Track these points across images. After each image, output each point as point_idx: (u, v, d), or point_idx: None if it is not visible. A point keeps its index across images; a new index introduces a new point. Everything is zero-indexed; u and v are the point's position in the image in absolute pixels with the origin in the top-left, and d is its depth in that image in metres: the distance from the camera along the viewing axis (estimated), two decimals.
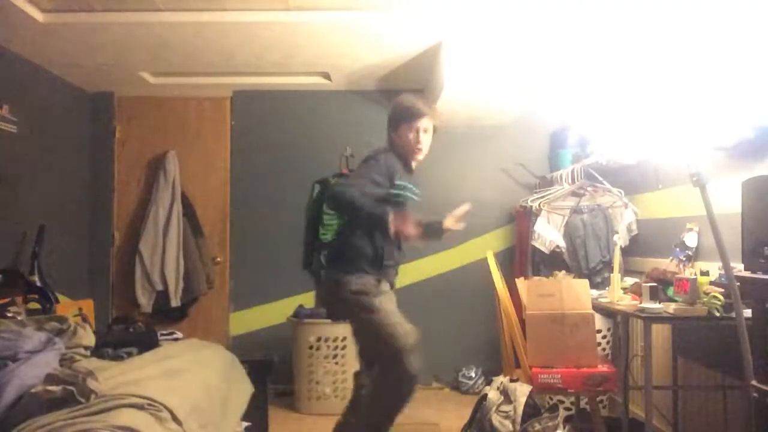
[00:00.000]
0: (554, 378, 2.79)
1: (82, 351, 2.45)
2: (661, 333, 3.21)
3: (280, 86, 4.59)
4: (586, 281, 3.01)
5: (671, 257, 3.08)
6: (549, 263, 3.85)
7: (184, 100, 4.74)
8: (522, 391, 2.74)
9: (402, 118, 2.48)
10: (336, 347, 3.96)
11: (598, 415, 3.02)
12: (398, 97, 2.55)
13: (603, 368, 2.84)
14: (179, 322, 4.50)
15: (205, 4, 3.18)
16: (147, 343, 2.73)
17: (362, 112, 4.71)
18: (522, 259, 4.18)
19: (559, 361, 2.83)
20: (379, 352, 2.42)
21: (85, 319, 2.85)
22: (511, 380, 2.85)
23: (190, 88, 4.62)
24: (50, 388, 1.85)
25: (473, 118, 4.42)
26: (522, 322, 3.27)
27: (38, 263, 3.62)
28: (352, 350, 3.50)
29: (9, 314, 2.82)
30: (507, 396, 2.75)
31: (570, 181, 3.98)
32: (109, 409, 1.83)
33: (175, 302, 4.47)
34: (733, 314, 1.96)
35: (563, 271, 3.56)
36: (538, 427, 2.61)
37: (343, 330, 3.86)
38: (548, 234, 3.85)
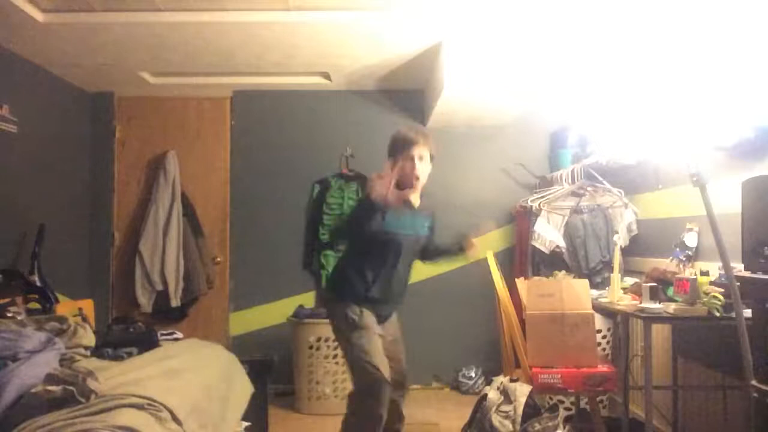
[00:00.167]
0: (554, 378, 2.79)
1: (82, 351, 2.45)
2: (661, 333, 3.21)
3: (280, 86, 4.59)
4: (586, 281, 3.01)
5: (671, 257, 3.08)
6: (549, 263, 3.85)
7: (184, 100, 4.74)
8: (522, 391, 2.74)
9: (397, 149, 2.53)
10: (336, 347, 3.95)
11: (598, 415, 3.02)
12: (396, 131, 2.62)
13: (603, 368, 2.83)
14: (179, 322, 4.50)
15: (205, 4, 3.18)
16: (147, 343, 2.73)
17: (362, 112, 4.71)
18: (522, 259, 4.18)
19: (559, 361, 2.83)
20: (352, 378, 2.51)
21: (85, 319, 2.85)
22: (511, 380, 2.85)
23: (190, 88, 4.62)
24: (50, 388, 1.85)
25: (473, 118, 4.42)
26: (522, 322, 3.27)
27: (38, 263, 3.62)
28: None
29: (9, 314, 2.82)
30: (507, 396, 2.75)
31: (570, 181, 3.98)
32: (109, 409, 1.83)
33: (175, 302, 4.47)
34: (733, 314, 1.96)
35: (563, 271, 3.56)
36: (538, 427, 2.61)
37: None
38: (548, 234, 3.85)
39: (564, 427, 2.74)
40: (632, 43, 3.14)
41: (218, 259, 4.69)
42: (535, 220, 3.92)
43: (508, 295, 3.80)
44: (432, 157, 2.58)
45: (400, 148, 2.53)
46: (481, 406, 2.78)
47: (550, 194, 3.99)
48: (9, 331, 2.24)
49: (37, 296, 3.40)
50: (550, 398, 3.37)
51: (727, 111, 2.58)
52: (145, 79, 4.40)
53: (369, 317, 2.50)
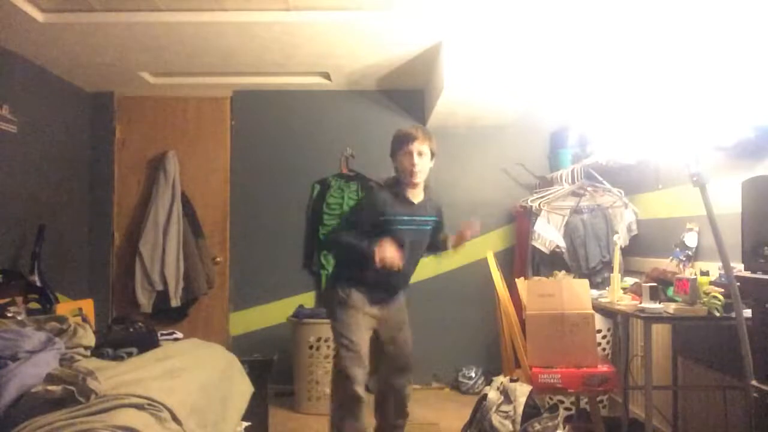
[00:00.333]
0: (554, 378, 2.79)
1: (82, 351, 2.45)
2: (661, 333, 3.21)
3: (280, 86, 4.59)
4: (586, 281, 3.01)
5: (671, 257, 3.08)
6: (549, 263, 3.85)
7: (184, 100, 4.74)
8: (522, 391, 2.74)
9: (397, 145, 2.64)
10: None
11: (598, 415, 3.02)
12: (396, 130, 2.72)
13: (603, 368, 2.83)
14: (179, 322, 4.50)
15: (205, 4, 3.18)
16: (147, 343, 2.73)
17: (362, 112, 4.71)
18: (522, 259, 4.18)
19: (559, 361, 2.83)
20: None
21: (85, 319, 2.84)
22: (511, 380, 2.85)
23: (190, 88, 4.62)
24: (50, 387, 1.85)
25: (473, 118, 4.42)
26: (522, 322, 3.27)
27: (38, 263, 3.62)
28: None
29: (9, 314, 2.82)
30: (507, 396, 2.75)
31: (570, 181, 3.97)
32: (109, 409, 1.83)
33: (175, 302, 4.47)
34: (733, 314, 1.96)
35: (563, 271, 3.56)
36: (538, 427, 2.61)
37: None
38: (548, 234, 3.85)
39: (564, 427, 2.74)
40: (632, 43, 3.14)
41: (218, 259, 4.69)
42: (535, 220, 3.92)
43: (508, 295, 3.80)
44: (433, 155, 2.65)
45: (399, 143, 2.61)
46: (481, 406, 2.77)
47: (550, 194, 3.99)
48: (9, 331, 2.24)
49: (37, 296, 3.40)
50: (550, 398, 3.36)
51: (727, 111, 2.58)
52: (145, 79, 4.40)
53: (358, 298, 2.62)
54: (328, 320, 2.79)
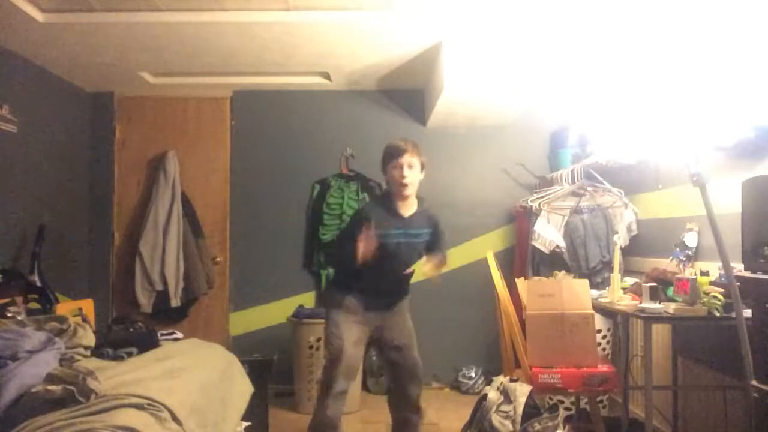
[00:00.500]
0: (554, 378, 2.79)
1: (82, 351, 2.45)
2: (661, 333, 3.21)
3: (280, 86, 4.59)
4: (586, 281, 3.01)
5: (671, 257, 3.08)
6: (549, 263, 3.85)
7: (184, 100, 4.74)
8: (522, 391, 2.74)
9: (387, 159, 2.69)
10: None
11: (598, 415, 3.02)
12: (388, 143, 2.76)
13: (603, 368, 2.83)
14: (179, 322, 4.50)
15: (205, 4, 3.18)
16: (147, 343, 2.73)
17: (362, 112, 4.71)
18: (522, 259, 4.18)
19: (559, 361, 2.83)
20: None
21: (85, 319, 2.84)
22: (511, 380, 2.85)
23: (190, 88, 4.62)
24: (50, 387, 1.85)
25: (473, 118, 4.42)
26: (522, 322, 3.27)
27: (38, 263, 3.62)
28: None
29: (9, 314, 2.82)
30: (507, 396, 2.75)
31: (570, 181, 3.97)
32: (109, 409, 1.83)
33: (175, 302, 4.47)
34: (733, 314, 1.96)
35: (563, 271, 3.56)
36: (538, 427, 2.61)
37: None
38: (548, 234, 3.85)
39: (564, 427, 2.74)
40: (632, 43, 3.14)
41: (218, 259, 4.69)
42: (535, 220, 3.92)
43: (508, 295, 3.80)
44: (423, 167, 2.70)
45: (389, 157, 2.66)
46: (481, 406, 2.77)
47: (550, 194, 3.99)
48: (9, 331, 2.24)
49: (37, 296, 3.40)
50: (550, 398, 3.37)
51: (727, 111, 2.58)
52: (145, 79, 4.40)
53: (352, 303, 2.70)
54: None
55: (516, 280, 3.63)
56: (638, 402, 3.43)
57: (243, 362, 3.02)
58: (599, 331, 3.47)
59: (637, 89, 3.23)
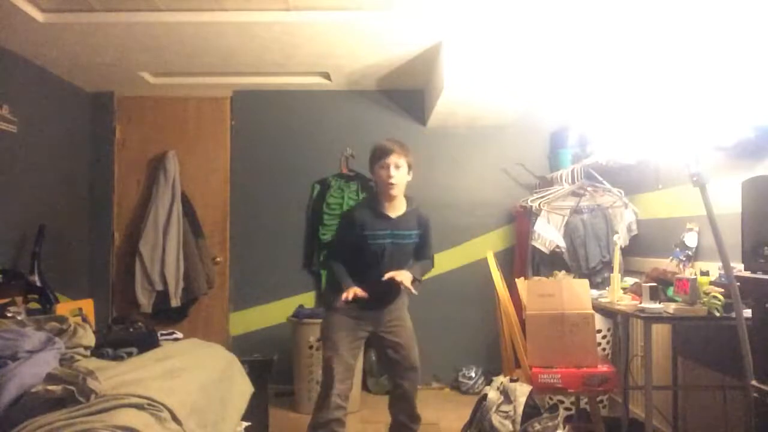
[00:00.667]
0: (554, 378, 2.79)
1: (82, 351, 2.45)
2: (661, 333, 3.21)
3: (280, 86, 4.59)
4: (586, 281, 3.01)
5: (671, 257, 3.08)
6: (549, 263, 3.85)
7: (184, 100, 4.74)
8: (522, 391, 2.74)
9: (375, 159, 2.72)
10: None
11: (598, 415, 3.02)
12: (375, 143, 2.80)
13: (603, 368, 2.83)
14: (179, 322, 4.50)
15: (205, 4, 3.18)
16: (147, 343, 2.73)
17: (362, 112, 4.71)
18: (522, 259, 4.18)
19: (559, 361, 2.83)
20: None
21: (85, 319, 2.84)
22: (511, 380, 2.85)
23: (190, 88, 4.62)
24: (50, 387, 1.85)
25: (473, 118, 4.42)
26: (522, 322, 3.27)
27: (38, 263, 3.62)
28: None
29: (9, 314, 2.82)
30: (507, 396, 2.75)
31: (570, 181, 3.97)
32: (109, 409, 1.83)
33: (175, 302, 4.47)
34: (733, 314, 1.96)
35: (563, 271, 3.56)
36: (538, 427, 2.61)
37: None
38: (548, 234, 3.85)
39: (564, 427, 2.74)
40: (632, 43, 3.14)
41: (218, 259, 4.69)
42: (535, 220, 3.92)
43: (508, 295, 3.80)
44: (410, 168, 2.74)
45: (377, 157, 2.70)
46: (481, 406, 2.77)
47: (550, 194, 3.99)
48: (9, 331, 2.24)
49: (37, 296, 3.40)
50: (550, 398, 3.37)
51: (727, 111, 2.58)
52: (145, 79, 4.40)
53: (345, 304, 2.70)
54: None
55: (516, 280, 3.63)
56: (638, 402, 3.43)
57: (243, 362, 3.02)
58: (599, 331, 3.47)
59: (637, 89, 3.23)
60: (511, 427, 2.64)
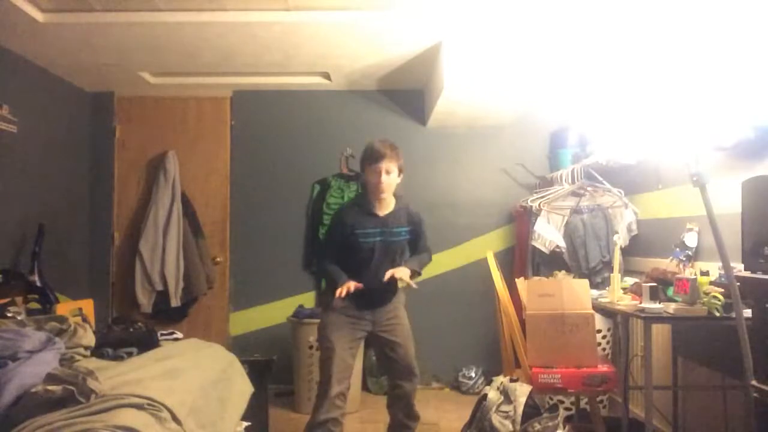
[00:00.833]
0: (554, 378, 2.79)
1: (82, 351, 2.45)
2: (661, 333, 3.21)
3: (280, 86, 4.59)
4: (586, 281, 3.01)
5: (671, 257, 3.07)
6: (549, 263, 3.85)
7: (184, 100, 4.74)
8: (522, 391, 2.74)
9: (366, 161, 2.73)
10: None
11: (598, 415, 3.02)
12: (367, 143, 2.78)
13: (603, 368, 2.83)
14: (179, 322, 4.50)
15: (205, 4, 3.18)
16: (147, 343, 2.73)
17: (362, 112, 4.71)
18: (522, 259, 4.18)
19: (559, 361, 2.83)
20: None
21: (85, 319, 2.84)
22: (511, 380, 2.85)
23: (190, 88, 4.62)
24: (50, 387, 1.85)
25: (473, 118, 4.42)
26: (522, 322, 3.27)
27: (38, 263, 3.62)
28: None
29: (9, 314, 2.82)
30: (507, 396, 2.75)
31: (570, 181, 3.97)
32: (109, 409, 1.83)
33: (175, 302, 4.47)
34: (733, 314, 1.96)
35: (563, 271, 3.56)
36: (538, 427, 2.61)
37: None
38: (548, 234, 3.85)
39: (564, 427, 2.74)
40: (632, 43, 3.14)
41: (218, 259, 4.69)
42: (535, 220, 3.92)
43: (508, 295, 3.79)
44: (400, 171, 2.75)
45: (369, 160, 2.71)
46: (481, 406, 2.77)
47: (550, 194, 3.99)
48: (9, 331, 2.24)
49: (37, 296, 3.40)
50: (550, 398, 3.36)
51: (727, 111, 2.58)
52: (145, 79, 4.40)
53: (344, 302, 2.73)
54: None
55: (516, 280, 3.63)
56: (638, 402, 3.43)
57: (243, 362, 3.01)
58: (599, 331, 3.47)
59: (637, 89, 3.23)
60: (511, 427, 2.64)
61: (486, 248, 4.34)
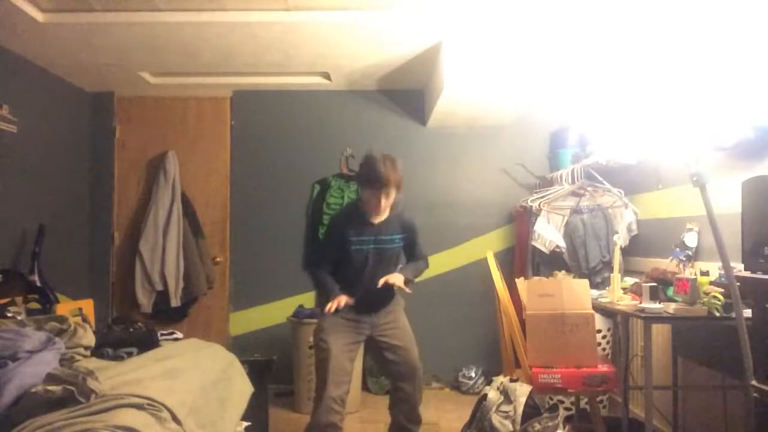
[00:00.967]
0: (554, 378, 2.79)
1: (82, 351, 2.45)
2: (661, 333, 3.21)
3: (280, 86, 4.59)
4: (586, 281, 3.01)
5: (671, 257, 3.07)
6: (549, 263, 3.85)
7: (184, 100, 4.74)
8: (522, 391, 2.74)
9: (366, 182, 2.67)
10: None
11: (598, 415, 3.02)
12: (369, 158, 2.66)
13: (603, 368, 2.83)
14: (179, 322, 4.50)
15: (205, 4, 3.18)
16: (147, 343, 2.73)
17: (362, 112, 4.71)
18: (522, 259, 4.18)
19: (559, 361, 2.83)
20: None
21: (85, 319, 2.84)
22: (511, 380, 2.85)
23: (190, 88, 4.62)
24: (50, 387, 1.85)
25: (473, 118, 4.42)
26: (522, 322, 3.27)
27: (38, 263, 3.62)
28: None
29: (9, 314, 2.82)
30: (507, 396, 2.75)
31: (570, 181, 3.97)
32: (109, 409, 1.83)
33: (175, 302, 4.47)
34: (733, 314, 1.96)
35: (563, 271, 3.56)
36: (538, 427, 2.61)
37: None
38: (548, 234, 3.85)
39: (564, 427, 2.74)
40: (632, 43, 3.14)
41: (218, 259, 4.69)
42: (535, 220, 3.92)
43: (508, 295, 3.79)
44: (399, 188, 2.70)
45: (369, 183, 2.64)
46: (481, 406, 2.77)
47: (550, 194, 4.00)
48: (9, 331, 2.24)
49: (37, 296, 3.40)
50: (550, 398, 3.37)
51: (727, 111, 2.58)
52: (145, 79, 4.40)
53: (342, 309, 2.73)
54: None
55: (516, 280, 3.63)
56: (638, 402, 3.43)
57: (243, 362, 3.01)
58: (599, 331, 3.47)
59: (637, 89, 3.23)
60: (511, 427, 2.64)
61: (486, 248, 4.34)
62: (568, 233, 3.86)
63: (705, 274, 2.56)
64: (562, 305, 2.88)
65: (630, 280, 3.16)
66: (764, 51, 2.38)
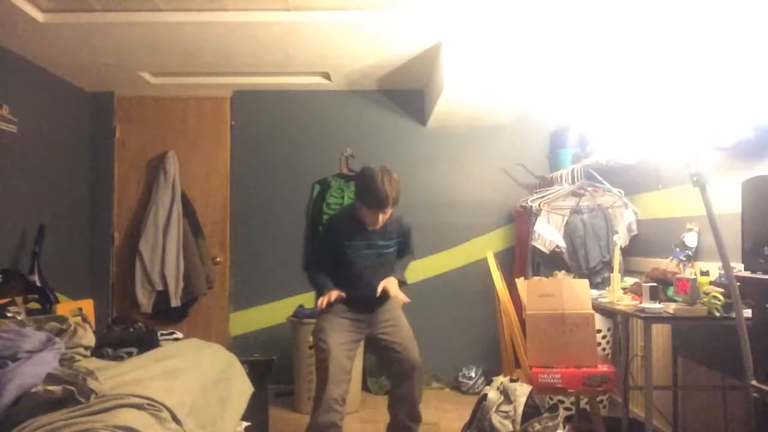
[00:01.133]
0: (554, 378, 2.79)
1: (82, 351, 2.45)
2: (661, 333, 3.21)
3: (280, 86, 4.59)
4: (586, 281, 3.01)
5: (671, 257, 3.08)
6: (549, 263, 3.85)
7: (184, 100, 4.74)
8: (522, 391, 2.74)
9: (365, 200, 2.65)
10: None
11: (598, 415, 3.02)
12: (367, 174, 2.62)
13: (603, 368, 2.83)
14: (179, 322, 4.50)
15: (205, 4, 3.18)
16: (147, 343, 2.73)
17: (362, 112, 4.71)
18: (522, 259, 4.18)
19: (559, 361, 2.83)
20: None
21: (85, 319, 2.84)
22: (511, 380, 2.85)
23: (190, 88, 4.62)
24: (50, 387, 1.85)
25: (473, 118, 4.42)
26: (522, 322, 3.27)
27: (38, 263, 3.62)
28: None
29: (9, 314, 2.82)
30: (507, 396, 2.75)
31: (570, 181, 3.97)
32: (109, 409, 1.83)
33: (175, 302, 4.47)
34: (733, 314, 1.96)
35: (563, 271, 3.56)
36: (538, 427, 2.61)
37: None
38: (548, 234, 3.85)
39: (564, 427, 2.74)
40: (632, 43, 3.14)
41: (218, 259, 4.69)
42: (535, 220, 3.92)
43: (508, 295, 3.79)
44: (396, 202, 2.68)
45: (368, 202, 2.63)
46: (481, 406, 2.77)
47: (550, 194, 3.99)
48: (9, 331, 2.24)
49: (37, 296, 3.40)
50: (550, 398, 3.37)
51: (727, 111, 2.58)
52: (145, 79, 4.40)
53: (339, 306, 2.78)
54: None
55: (516, 280, 3.63)
56: (638, 402, 3.43)
57: (243, 362, 3.01)
58: (599, 331, 3.47)
59: (637, 89, 3.23)
60: (511, 427, 2.64)
61: (486, 248, 4.34)
62: (568, 233, 3.86)
63: (705, 274, 2.56)
64: (562, 305, 2.88)
65: (630, 280, 3.15)
66: (764, 51, 2.37)
